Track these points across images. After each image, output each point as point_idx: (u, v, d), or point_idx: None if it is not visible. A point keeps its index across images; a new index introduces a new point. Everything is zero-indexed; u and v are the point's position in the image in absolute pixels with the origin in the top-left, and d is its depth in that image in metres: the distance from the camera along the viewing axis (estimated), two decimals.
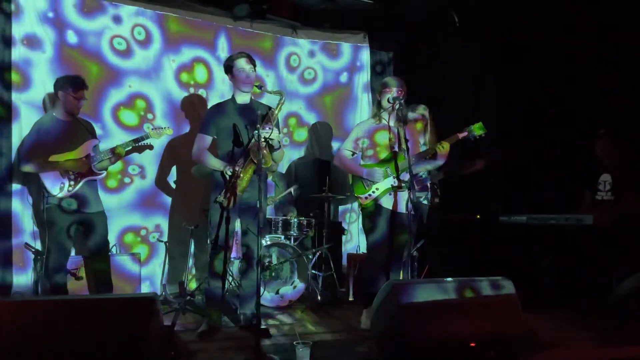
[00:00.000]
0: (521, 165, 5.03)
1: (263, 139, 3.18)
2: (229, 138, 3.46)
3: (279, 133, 3.44)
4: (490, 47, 5.23)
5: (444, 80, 5.54)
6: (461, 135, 3.51)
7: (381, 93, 3.63)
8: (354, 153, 3.74)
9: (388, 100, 3.53)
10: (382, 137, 3.61)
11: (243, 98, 3.55)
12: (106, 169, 3.83)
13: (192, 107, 4.99)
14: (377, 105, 3.72)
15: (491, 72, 5.26)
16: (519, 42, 4.99)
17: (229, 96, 3.67)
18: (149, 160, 4.76)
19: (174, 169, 4.91)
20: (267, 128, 3.29)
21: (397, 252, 3.57)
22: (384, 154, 3.59)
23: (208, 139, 3.52)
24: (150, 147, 4.27)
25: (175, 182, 4.91)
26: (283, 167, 5.44)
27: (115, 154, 3.73)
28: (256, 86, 3.47)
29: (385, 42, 5.98)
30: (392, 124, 3.59)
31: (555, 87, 4.73)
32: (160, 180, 4.84)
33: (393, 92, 3.54)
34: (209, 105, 4.75)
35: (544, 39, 4.78)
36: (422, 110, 4.42)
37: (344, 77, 5.84)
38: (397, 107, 3.48)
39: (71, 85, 3.59)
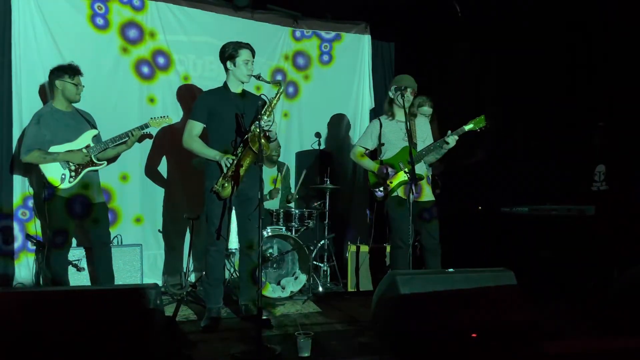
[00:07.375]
0: (523, 156, 5.02)
1: (262, 130, 3.16)
2: (223, 127, 3.43)
3: (275, 124, 3.46)
4: (492, 39, 5.19)
5: (445, 70, 5.51)
6: (467, 127, 3.65)
7: (396, 91, 3.76)
8: (366, 149, 3.94)
9: (405, 100, 3.67)
10: (395, 132, 3.80)
11: (238, 87, 3.54)
12: (108, 159, 3.80)
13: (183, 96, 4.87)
14: (389, 102, 3.86)
15: (492, 63, 5.23)
16: (521, 34, 4.95)
17: None
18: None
19: (163, 158, 4.79)
20: (266, 119, 3.30)
21: (427, 240, 3.72)
22: (396, 149, 3.79)
23: (199, 126, 3.47)
24: (150, 136, 4.25)
25: (167, 172, 4.78)
26: (288, 159, 5.41)
27: (132, 137, 3.74)
28: (255, 76, 3.43)
29: (387, 32, 5.92)
30: (402, 118, 3.70)
31: (558, 78, 4.70)
32: (150, 171, 4.73)
33: (408, 93, 3.72)
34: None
35: (546, 32, 4.75)
36: (427, 102, 4.43)
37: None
38: (407, 104, 3.66)
39: (66, 72, 3.58)
